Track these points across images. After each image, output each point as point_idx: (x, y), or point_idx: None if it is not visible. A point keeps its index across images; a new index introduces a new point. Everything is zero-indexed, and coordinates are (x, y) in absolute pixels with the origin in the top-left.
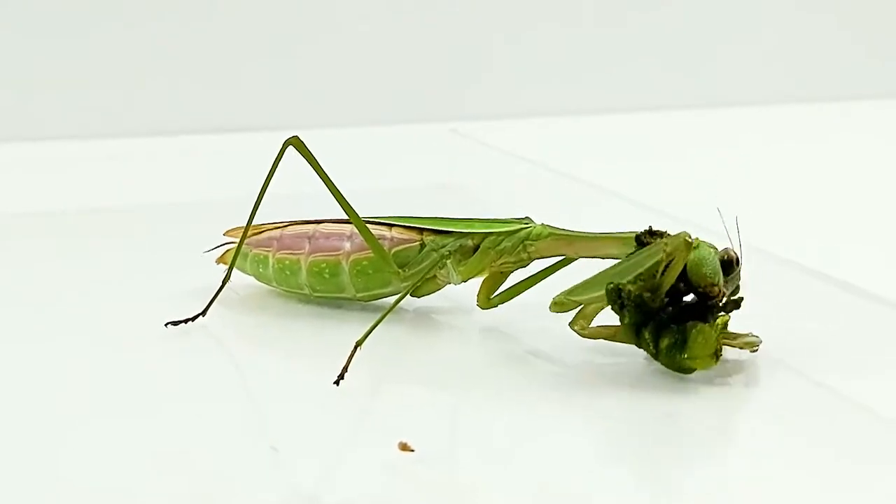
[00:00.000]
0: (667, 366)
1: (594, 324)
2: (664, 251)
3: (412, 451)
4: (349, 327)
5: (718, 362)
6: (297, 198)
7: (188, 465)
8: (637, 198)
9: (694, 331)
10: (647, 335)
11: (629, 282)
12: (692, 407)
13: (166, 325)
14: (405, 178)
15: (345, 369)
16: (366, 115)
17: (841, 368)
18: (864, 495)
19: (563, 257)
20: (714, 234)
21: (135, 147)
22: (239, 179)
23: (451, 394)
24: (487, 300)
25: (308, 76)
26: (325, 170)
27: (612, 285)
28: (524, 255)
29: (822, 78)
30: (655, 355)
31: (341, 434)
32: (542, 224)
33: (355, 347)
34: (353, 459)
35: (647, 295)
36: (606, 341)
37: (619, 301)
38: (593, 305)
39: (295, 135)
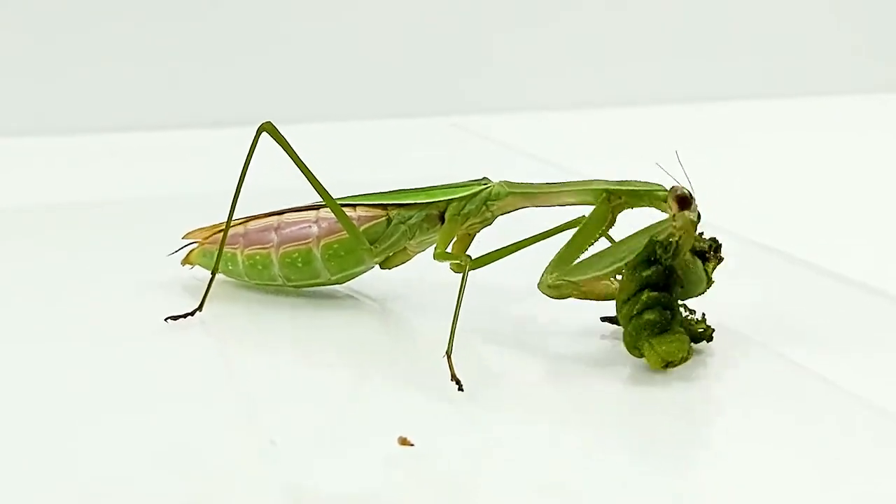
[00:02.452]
0: (627, 335)
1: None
2: (672, 228)
3: (412, 444)
4: (345, 316)
5: (664, 370)
6: (265, 192)
7: (187, 459)
8: None
9: (676, 328)
10: (644, 297)
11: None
12: (684, 396)
13: (166, 319)
14: (406, 172)
15: (453, 378)
16: (366, 109)
17: (838, 359)
18: (869, 488)
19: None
20: (715, 229)
21: (124, 141)
22: (231, 172)
23: (448, 386)
24: (460, 262)
25: (307, 69)
26: (299, 156)
27: (657, 238)
28: (488, 215)
29: (820, 74)
30: (629, 319)
31: (341, 428)
32: (500, 182)
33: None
34: (354, 453)
35: (677, 266)
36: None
37: (652, 256)
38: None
39: (268, 120)
